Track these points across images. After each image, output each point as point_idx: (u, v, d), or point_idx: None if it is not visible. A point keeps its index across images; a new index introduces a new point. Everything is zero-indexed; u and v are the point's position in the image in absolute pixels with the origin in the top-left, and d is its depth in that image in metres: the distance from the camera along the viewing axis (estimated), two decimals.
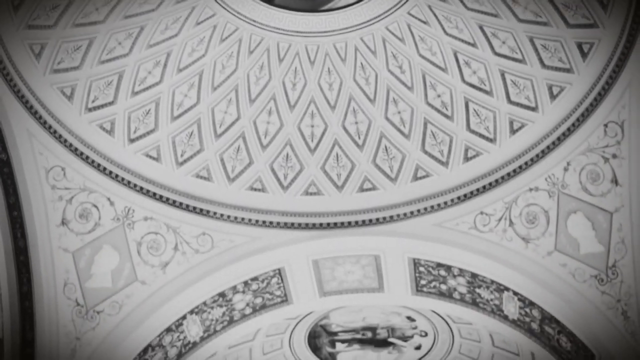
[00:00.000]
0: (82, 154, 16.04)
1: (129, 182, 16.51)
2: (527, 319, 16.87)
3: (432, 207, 16.94)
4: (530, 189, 16.29)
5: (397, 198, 17.24)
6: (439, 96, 17.35)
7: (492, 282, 16.66)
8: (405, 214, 17.07)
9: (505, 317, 17.31)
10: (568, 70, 15.80)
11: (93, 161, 16.17)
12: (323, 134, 17.84)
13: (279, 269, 17.27)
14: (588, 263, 15.75)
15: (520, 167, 16.40)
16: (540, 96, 16.27)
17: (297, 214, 17.26)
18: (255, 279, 17.22)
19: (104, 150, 16.33)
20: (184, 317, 17.00)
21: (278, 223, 17.16)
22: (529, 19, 16.05)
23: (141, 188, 16.58)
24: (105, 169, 16.30)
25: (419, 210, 17.01)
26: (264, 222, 17.12)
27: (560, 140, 15.94)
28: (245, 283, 17.20)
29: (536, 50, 16.13)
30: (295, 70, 17.80)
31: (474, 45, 16.80)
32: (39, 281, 15.47)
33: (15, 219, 15.11)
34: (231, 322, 17.85)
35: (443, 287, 17.46)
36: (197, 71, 17.17)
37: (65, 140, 15.79)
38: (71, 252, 16.03)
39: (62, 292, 15.91)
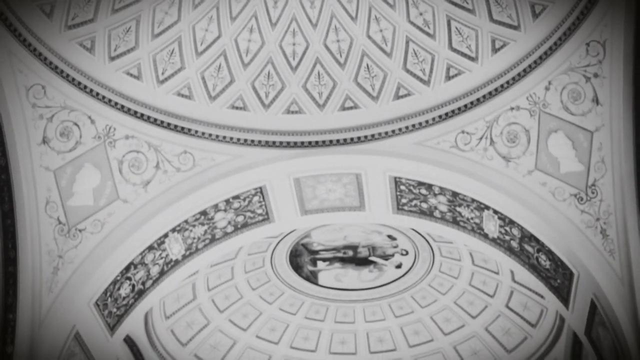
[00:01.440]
0: (62, 72, 15.92)
1: (109, 101, 16.42)
2: (507, 238, 17.00)
3: (413, 125, 16.95)
4: (512, 108, 16.31)
5: (378, 117, 17.22)
6: (421, 14, 17.22)
7: (473, 200, 16.75)
8: (386, 133, 17.07)
9: (485, 236, 17.44)
10: None
11: (73, 79, 16.06)
12: (304, 52, 17.73)
13: (260, 187, 17.30)
14: (568, 182, 15.84)
15: (501, 86, 16.38)
16: (523, 14, 16.18)
17: (278, 133, 17.24)
18: (236, 197, 17.26)
19: (84, 68, 16.22)
20: (165, 236, 17.06)
21: (259, 141, 17.14)
22: None
23: (122, 106, 16.50)
24: (85, 87, 16.20)
25: (400, 129, 17.01)
26: (245, 140, 17.09)
27: (541, 59, 15.91)
28: (227, 201, 17.24)
29: None
30: None
31: None
32: (20, 199, 15.45)
33: None
34: (213, 240, 17.93)
35: (424, 205, 17.54)
36: None
37: (45, 59, 15.66)
38: (52, 171, 16.00)
39: (44, 210, 15.92)
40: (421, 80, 17.20)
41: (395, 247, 22.95)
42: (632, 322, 14.93)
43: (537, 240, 16.34)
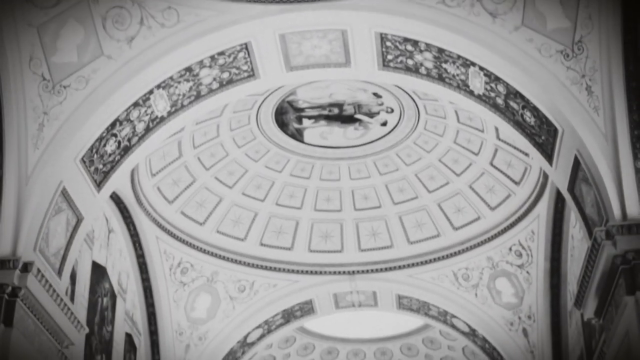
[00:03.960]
0: None
1: None
2: (492, 94, 17.01)
3: None
4: None
5: None
6: None
7: (459, 57, 16.67)
8: None
9: (471, 93, 17.44)
10: None
11: None
12: None
13: (245, 44, 17.12)
14: (554, 38, 15.76)
15: None
16: None
17: None
18: (222, 53, 17.12)
19: None
20: (150, 92, 16.99)
21: None
22: None
23: None
24: None
25: None
26: None
27: None
28: (212, 57, 17.10)
29: None
30: None
31: None
32: (3, 56, 15.35)
33: None
34: (198, 97, 17.88)
35: (409, 62, 17.47)
36: None
37: None
38: (35, 27, 15.81)
39: (28, 66, 15.81)
40: None
41: (381, 104, 22.97)
42: (614, 178, 15.09)
43: (522, 97, 16.36)
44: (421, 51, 17.04)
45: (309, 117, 23.40)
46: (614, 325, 15.32)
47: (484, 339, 26.37)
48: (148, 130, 17.66)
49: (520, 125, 17.09)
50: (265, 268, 26.14)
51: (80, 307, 19.83)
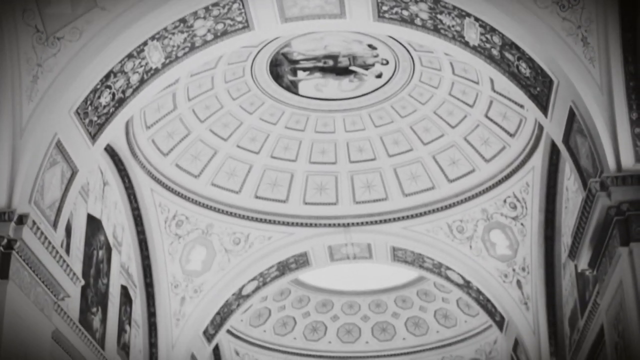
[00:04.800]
0: None
1: None
2: (488, 46, 16.95)
3: None
4: None
5: None
6: None
7: (454, 7, 16.57)
8: None
9: (466, 44, 17.37)
10: None
11: None
12: None
13: None
14: None
15: None
16: None
17: None
18: (216, 4, 16.98)
19: None
20: (145, 43, 16.89)
21: None
22: None
23: None
24: None
25: None
26: None
27: None
28: (206, 8, 16.97)
29: None
30: None
31: None
32: None
33: None
34: (193, 48, 17.78)
35: (405, 13, 17.38)
36: None
37: None
38: None
39: (22, 18, 15.69)
40: None
41: (376, 56, 22.92)
42: (609, 129, 15.09)
43: (517, 48, 16.30)
44: (416, 2, 16.94)
45: (304, 69, 23.35)
46: (608, 277, 15.39)
47: (478, 291, 26.54)
48: (142, 82, 17.59)
49: (515, 77, 17.05)
50: (260, 220, 26.23)
51: (76, 260, 19.89)
